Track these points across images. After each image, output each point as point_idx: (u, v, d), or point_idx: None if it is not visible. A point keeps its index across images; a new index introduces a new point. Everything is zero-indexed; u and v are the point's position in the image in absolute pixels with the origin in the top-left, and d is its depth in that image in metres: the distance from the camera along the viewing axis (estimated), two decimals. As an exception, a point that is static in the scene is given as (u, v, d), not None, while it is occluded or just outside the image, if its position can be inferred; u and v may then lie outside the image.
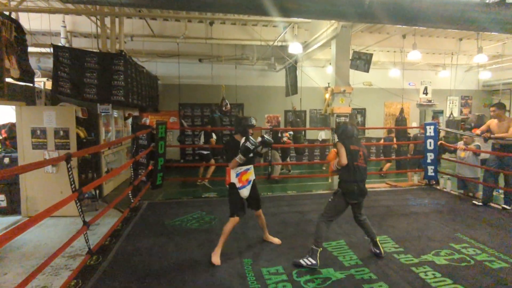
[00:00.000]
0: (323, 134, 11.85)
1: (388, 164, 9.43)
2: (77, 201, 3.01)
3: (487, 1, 4.27)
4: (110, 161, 7.13)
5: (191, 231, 4.28)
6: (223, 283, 2.99)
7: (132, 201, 4.97)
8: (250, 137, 3.46)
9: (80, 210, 3.11)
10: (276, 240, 3.86)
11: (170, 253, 3.63)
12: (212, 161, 8.17)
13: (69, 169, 2.92)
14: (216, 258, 3.38)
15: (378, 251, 3.50)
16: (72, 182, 2.95)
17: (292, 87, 9.97)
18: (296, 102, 10.60)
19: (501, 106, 5.22)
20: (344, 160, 3.34)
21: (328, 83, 10.27)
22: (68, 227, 4.83)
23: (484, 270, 3.19)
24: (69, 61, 5.78)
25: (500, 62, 11.40)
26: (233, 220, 3.47)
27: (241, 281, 3.02)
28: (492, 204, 5.31)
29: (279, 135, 9.14)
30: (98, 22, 6.89)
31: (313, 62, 11.66)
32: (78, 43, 8.50)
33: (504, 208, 5.09)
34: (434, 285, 2.91)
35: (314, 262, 3.23)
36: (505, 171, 5.19)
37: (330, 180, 7.93)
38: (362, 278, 3.05)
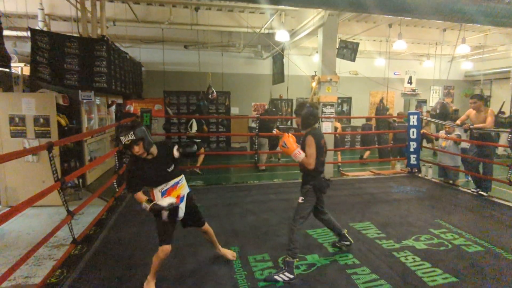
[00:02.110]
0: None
1: (367, 152, 9.69)
2: (60, 191, 2.95)
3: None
4: (93, 149, 6.99)
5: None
6: (209, 271, 3.02)
7: (117, 190, 4.91)
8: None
9: (63, 199, 3.05)
10: (230, 254, 3.21)
11: (156, 242, 3.61)
12: (202, 149, 8.17)
13: (51, 158, 2.85)
14: None
15: (348, 243, 3.37)
16: (55, 172, 2.89)
17: (278, 75, 9.94)
18: (283, 90, 10.60)
19: (481, 97, 5.37)
20: (313, 162, 2.93)
21: (315, 72, 10.28)
22: (51, 217, 4.75)
23: (461, 254, 3.33)
24: (48, 46, 5.56)
25: (481, 53, 11.66)
26: (163, 250, 2.66)
27: (227, 268, 3.06)
28: (469, 190, 5.52)
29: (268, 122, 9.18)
30: (78, 6, 6.61)
31: (300, 50, 11.62)
32: (57, 26, 8.17)
33: (480, 195, 5.30)
34: (414, 269, 3.03)
35: (292, 276, 2.83)
36: (483, 160, 5.38)
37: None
38: (345, 264, 3.15)
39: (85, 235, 3.58)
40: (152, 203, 2.55)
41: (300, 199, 3.08)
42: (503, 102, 10.76)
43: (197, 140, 8.06)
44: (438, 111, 5.94)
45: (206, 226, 3.04)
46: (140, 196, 2.62)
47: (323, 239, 3.67)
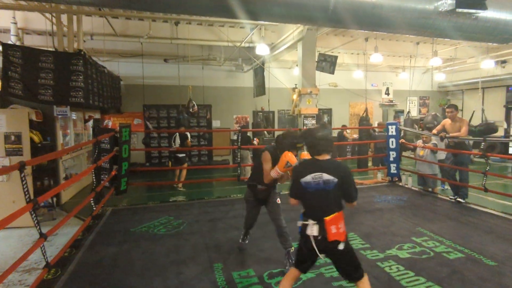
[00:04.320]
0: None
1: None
2: (33, 212, 2.79)
3: (440, 10, 4.53)
4: (69, 166, 6.73)
5: (159, 237, 4.14)
6: (193, 290, 2.91)
7: (94, 208, 4.71)
8: None
9: (36, 221, 2.88)
10: None
11: (136, 261, 3.48)
12: (185, 164, 8.04)
13: (23, 178, 2.70)
14: None
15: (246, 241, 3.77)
16: (27, 192, 2.73)
17: (259, 88, 10.01)
18: (264, 103, 10.68)
19: (456, 107, 5.60)
20: None
21: (295, 84, 10.44)
22: (22, 239, 4.49)
23: (442, 261, 3.38)
24: (21, 61, 5.38)
25: (452, 65, 12.22)
26: None
27: (212, 286, 2.96)
28: (447, 198, 5.66)
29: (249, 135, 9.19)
30: (54, 20, 6.46)
31: (280, 63, 11.78)
32: (31, 41, 7.94)
33: (458, 202, 5.44)
34: (398, 278, 3.04)
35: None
36: (459, 167, 5.56)
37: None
38: (331, 276, 3.11)
39: (59, 257, 3.38)
40: None
41: (278, 200, 3.41)
42: (473, 112, 11.26)
43: (180, 155, 7.96)
44: (436, 123, 6.14)
45: None
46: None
47: (308, 252, 3.63)
